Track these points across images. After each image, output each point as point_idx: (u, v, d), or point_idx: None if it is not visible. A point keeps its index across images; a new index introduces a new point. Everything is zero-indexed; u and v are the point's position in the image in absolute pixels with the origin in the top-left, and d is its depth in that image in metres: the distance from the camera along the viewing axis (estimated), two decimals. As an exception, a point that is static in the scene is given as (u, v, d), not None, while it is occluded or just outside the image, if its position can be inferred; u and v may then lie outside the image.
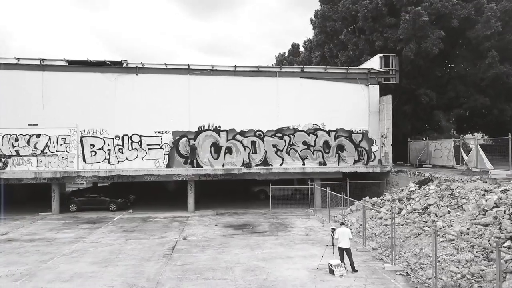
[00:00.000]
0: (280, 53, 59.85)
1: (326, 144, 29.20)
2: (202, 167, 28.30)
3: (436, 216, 17.33)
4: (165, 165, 28.16)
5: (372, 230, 19.52)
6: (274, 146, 28.84)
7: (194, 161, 28.02)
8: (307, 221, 23.95)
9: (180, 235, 20.34)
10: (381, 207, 22.28)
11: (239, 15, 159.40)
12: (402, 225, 18.17)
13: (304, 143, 29.05)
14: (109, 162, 27.87)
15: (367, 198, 25.61)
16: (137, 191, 33.01)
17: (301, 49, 54.28)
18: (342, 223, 15.01)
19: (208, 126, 28.48)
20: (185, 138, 28.36)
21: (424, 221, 17.40)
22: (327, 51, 40.19)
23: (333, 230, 14.88)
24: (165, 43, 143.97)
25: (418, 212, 18.68)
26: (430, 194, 19.92)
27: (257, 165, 28.57)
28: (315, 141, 29.12)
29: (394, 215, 15.11)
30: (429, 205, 18.68)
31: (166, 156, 28.23)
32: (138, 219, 25.48)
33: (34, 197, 33.08)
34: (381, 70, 29.64)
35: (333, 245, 14.77)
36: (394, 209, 20.30)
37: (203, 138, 28.38)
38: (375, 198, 25.39)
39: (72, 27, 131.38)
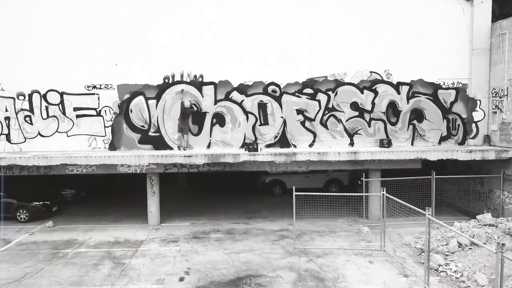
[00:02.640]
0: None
1: (393, 107, 16.43)
2: (172, 148, 16.03)
3: None
4: (108, 145, 15.99)
5: None
6: (299, 111, 16.23)
7: (184, 139, 15.80)
8: (369, 266, 11.77)
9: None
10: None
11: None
12: None
13: (354, 106, 16.32)
14: (8, 140, 15.83)
15: (486, 215, 13.18)
16: (88, 182, 20.79)
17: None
18: None
19: (182, 76, 15.92)
20: (141, 97, 15.93)
21: None
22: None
23: None
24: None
25: None
26: None
27: (268, 146, 16.15)
28: (373, 103, 16.36)
29: None
30: None
31: (109, 130, 15.99)
32: (49, 245, 13.71)
33: None
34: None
35: None
36: None
37: (172, 98, 15.93)
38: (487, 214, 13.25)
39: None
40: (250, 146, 15.02)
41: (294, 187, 12.70)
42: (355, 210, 16.07)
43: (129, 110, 15.88)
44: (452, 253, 11.66)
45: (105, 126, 15.91)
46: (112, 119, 15.89)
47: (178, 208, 18.41)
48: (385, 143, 15.97)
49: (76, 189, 19.75)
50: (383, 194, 12.44)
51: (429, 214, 9.68)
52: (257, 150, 14.96)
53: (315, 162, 15.07)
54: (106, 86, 15.80)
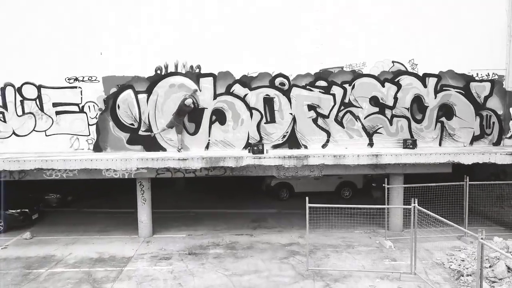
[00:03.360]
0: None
1: (418, 103, 14.32)
2: (165, 150, 14.01)
3: None
4: (92, 146, 14.00)
5: None
6: (311, 107, 14.16)
7: (178, 139, 13.83)
8: (398, 295, 9.79)
9: None
10: None
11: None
12: None
13: (374, 101, 14.23)
14: (-22, 139, 13.89)
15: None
16: (77, 184, 18.61)
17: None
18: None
19: (176, 67, 13.87)
20: (130, 91, 13.90)
21: None
22: None
23: None
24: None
25: None
26: None
27: (275, 147, 14.11)
28: (395, 97, 14.26)
29: None
30: None
31: (93, 129, 13.98)
32: (21, 263, 11.77)
33: None
34: None
35: None
36: None
37: (165, 92, 13.89)
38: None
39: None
40: (255, 147, 12.97)
41: (308, 201, 10.61)
42: (373, 219, 14.04)
43: (116, 105, 13.86)
44: (501, 279, 9.61)
45: (89, 124, 13.90)
46: (97, 116, 13.88)
47: (174, 214, 16.44)
48: (410, 143, 13.88)
49: (62, 193, 17.81)
50: (414, 206, 10.36)
51: (482, 239, 7.62)
52: (262, 152, 12.91)
53: (331, 166, 12.99)
54: (90, 78, 13.77)
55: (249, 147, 13.44)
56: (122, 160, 12.56)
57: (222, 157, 12.60)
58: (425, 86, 14.24)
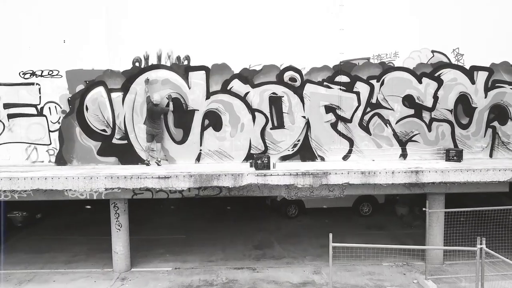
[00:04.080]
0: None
1: (464, 103, 11.39)
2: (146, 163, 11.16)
3: None
4: (54, 158, 11.16)
5: None
6: (329, 108, 11.25)
7: (158, 149, 10.94)
8: None
9: None
10: None
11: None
12: None
13: (408, 101, 11.30)
14: None
15: None
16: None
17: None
18: None
19: (159, 58, 10.98)
20: (101, 89, 11.03)
21: None
22: None
23: None
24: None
25: None
26: None
27: (284, 158, 11.22)
28: (435, 96, 11.33)
29: None
30: None
31: (55, 136, 11.12)
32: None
33: None
34: None
35: None
36: None
37: (146, 89, 11.01)
38: None
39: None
40: (259, 160, 10.04)
41: (331, 238, 7.68)
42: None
43: (84, 107, 11.00)
44: None
45: (49, 131, 11.05)
46: (60, 121, 11.03)
47: (160, 237, 13.59)
48: (454, 155, 10.96)
49: (30, 210, 14.95)
50: (481, 248, 7.44)
51: None
52: (268, 167, 9.99)
53: (356, 186, 10.05)
54: (51, 72, 10.91)
55: (251, 160, 10.54)
56: (86, 179, 9.68)
57: (216, 174, 9.69)
58: (472, 82, 11.30)
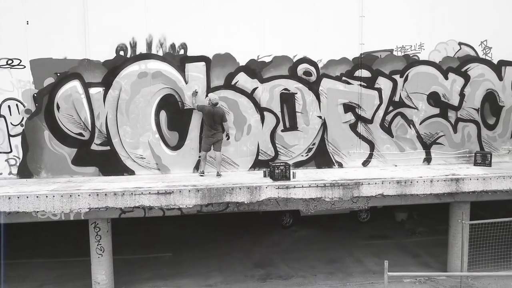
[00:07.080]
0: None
1: (491, 101, 10.35)
2: (133, 173, 9.21)
3: None
4: (17, 169, 8.95)
5: None
6: (348, 107, 9.82)
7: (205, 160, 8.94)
8: None
9: None
10: None
11: None
12: None
13: (434, 99, 10.09)
14: None
15: None
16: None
17: None
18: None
19: (149, 45, 9.06)
20: (77, 83, 8.94)
21: None
22: None
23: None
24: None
25: None
26: None
27: (297, 165, 9.67)
28: (461, 93, 10.20)
29: None
30: None
31: (17, 142, 8.91)
32: None
33: None
34: None
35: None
36: None
37: (132, 84, 9.05)
38: None
39: None
40: (277, 169, 8.40)
41: (386, 264, 6.23)
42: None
43: (55, 105, 8.88)
44: None
45: (9, 135, 8.83)
46: (23, 123, 8.84)
47: (143, 258, 11.61)
48: (484, 159, 9.89)
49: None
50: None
51: None
52: (288, 178, 8.40)
53: (390, 197, 8.68)
54: (10, 62, 8.69)
55: (265, 169, 8.90)
56: (64, 197, 7.62)
57: (228, 187, 7.96)
58: (500, 78, 10.28)
